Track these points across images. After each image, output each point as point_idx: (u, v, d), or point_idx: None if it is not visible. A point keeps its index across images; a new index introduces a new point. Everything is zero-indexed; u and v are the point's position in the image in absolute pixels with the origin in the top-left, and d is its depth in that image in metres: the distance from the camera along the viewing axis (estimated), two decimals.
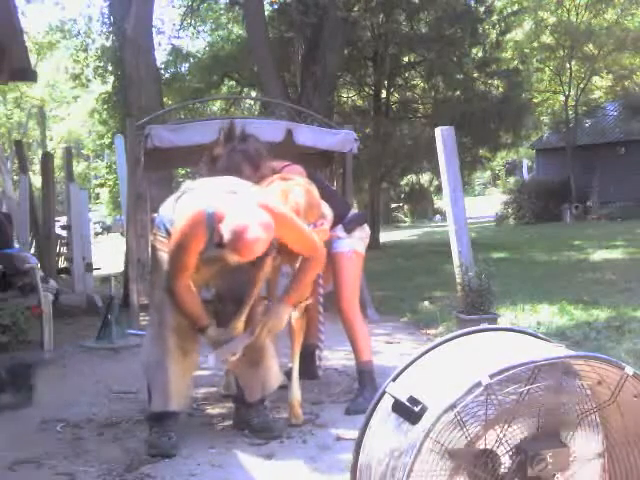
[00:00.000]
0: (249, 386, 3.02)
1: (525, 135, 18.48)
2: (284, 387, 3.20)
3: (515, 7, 17.25)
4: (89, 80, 14.36)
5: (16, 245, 6.37)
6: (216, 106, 16.83)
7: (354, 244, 3.48)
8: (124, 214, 7.35)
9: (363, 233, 3.56)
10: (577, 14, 19.92)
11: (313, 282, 3.35)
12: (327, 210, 3.31)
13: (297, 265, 2.99)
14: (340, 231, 3.44)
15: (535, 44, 19.91)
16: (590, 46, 19.59)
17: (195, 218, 2.63)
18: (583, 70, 20.50)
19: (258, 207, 2.59)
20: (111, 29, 10.92)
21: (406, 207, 26.19)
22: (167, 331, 2.82)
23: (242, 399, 3.06)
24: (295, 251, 2.90)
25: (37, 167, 23.62)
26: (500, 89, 14.60)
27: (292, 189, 3.08)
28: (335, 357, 4.45)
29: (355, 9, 13.24)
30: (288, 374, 3.26)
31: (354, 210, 3.76)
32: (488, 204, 26.52)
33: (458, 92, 13.83)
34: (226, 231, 2.47)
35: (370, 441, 1.53)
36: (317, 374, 3.89)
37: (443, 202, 6.46)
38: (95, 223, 25.95)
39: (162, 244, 2.84)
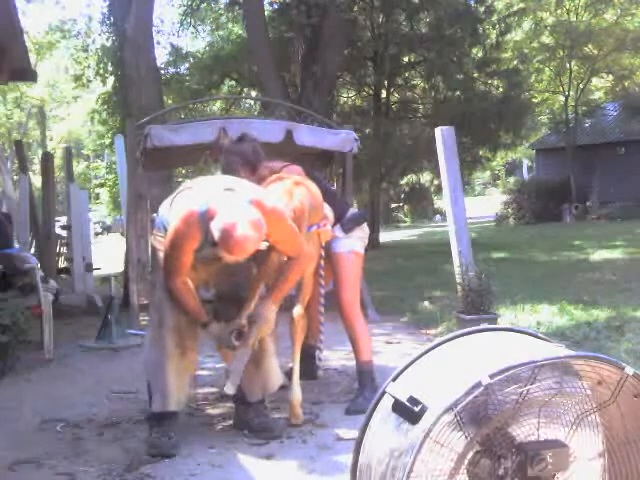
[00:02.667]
0: (250, 386, 3.02)
1: (525, 135, 18.45)
2: (284, 387, 3.21)
3: (515, 8, 17.20)
4: (89, 80, 14.33)
5: (16, 245, 6.36)
6: (216, 106, 16.80)
7: (353, 244, 3.48)
8: (124, 214, 7.34)
9: (362, 233, 3.55)
10: (577, 14, 19.91)
11: (314, 282, 3.36)
12: (328, 211, 3.31)
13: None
14: (339, 231, 3.44)
15: (535, 44, 19.88)
16: (590, 46, 19.57)
17: (187, 217, 2.63)
18: (583, 70, 20.49)
19: (251, 204, 2.58)
20: (111, 29, 10.90)
21: (406, 207, 26.15)
22: (166, 331, 2.83)
23: (242, 399, 3.06)
24: (280, 251, 2.87)
25: (37, 167, 23.62)
26: (500, 89, 14.59)
27: (296, 190, 3.08)
28: (335, 357, 4.45)
29: (355, 9, 13.24)
30: (288, 374, 3.26)
31: (353, 209, 3.75)
32: (488, 204, 26.47)
33: (458, 92, 13.80)
34: (215, 230, 2.47)
35: (370, 441, 1.53)
36: (317, 374, 3.89)
37: (443, 202, 6.46)
38: (95, 223, 25.92)
39: (161, 244, 2.84)
